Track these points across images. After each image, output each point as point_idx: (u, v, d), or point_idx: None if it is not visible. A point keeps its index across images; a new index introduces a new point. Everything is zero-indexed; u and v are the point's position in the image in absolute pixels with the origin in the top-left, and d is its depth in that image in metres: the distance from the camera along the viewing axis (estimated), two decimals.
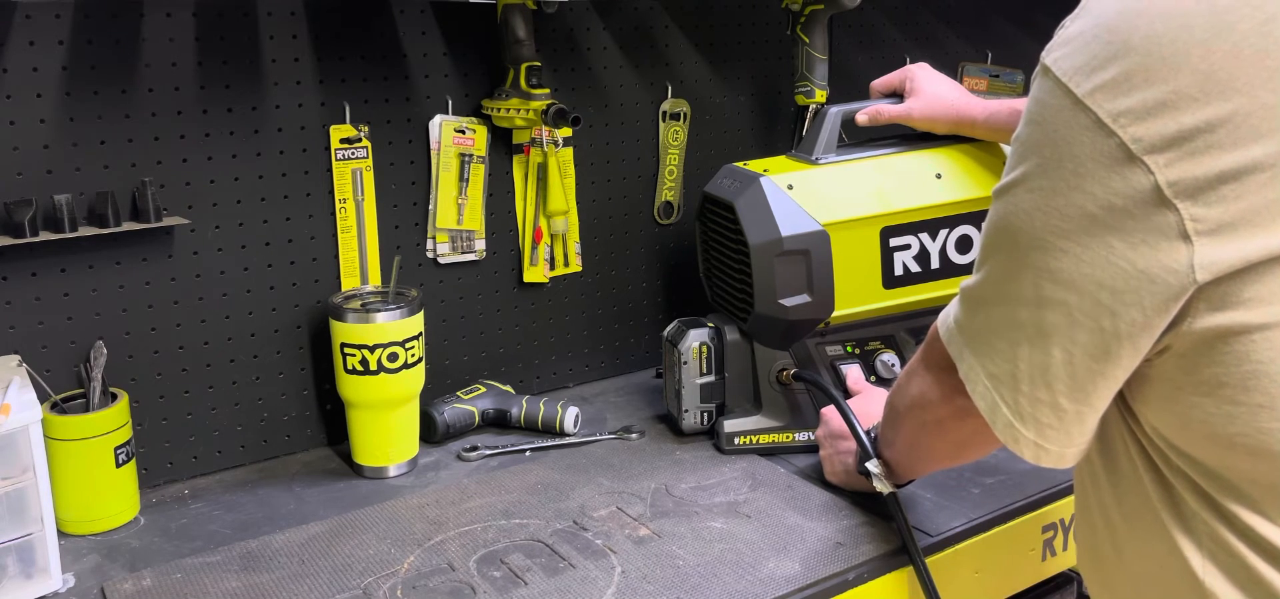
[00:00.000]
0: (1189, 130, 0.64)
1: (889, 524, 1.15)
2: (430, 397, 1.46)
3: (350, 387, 1.32)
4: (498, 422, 1.48)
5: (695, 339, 1.37)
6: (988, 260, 0.77)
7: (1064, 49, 0.70)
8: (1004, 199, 0.75)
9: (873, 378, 1.36)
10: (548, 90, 1.43)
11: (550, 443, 1.43)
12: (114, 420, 1.21)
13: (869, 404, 1.22)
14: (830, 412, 1.24)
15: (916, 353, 0.93)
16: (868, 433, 1.14)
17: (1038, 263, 0.72)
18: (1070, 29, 0.71)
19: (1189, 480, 0.74)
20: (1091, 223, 0.68)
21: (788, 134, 1.71)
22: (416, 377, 1.35)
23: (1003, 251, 0.75)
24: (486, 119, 1.50)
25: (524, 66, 1.42)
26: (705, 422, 1.40)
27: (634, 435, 1.44)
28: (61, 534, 1.15)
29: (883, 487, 1.11)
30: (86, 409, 1.22)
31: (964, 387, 0.80)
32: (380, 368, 1.30)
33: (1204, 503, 0.73)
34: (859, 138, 1.41)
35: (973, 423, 0.82)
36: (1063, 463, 0.78)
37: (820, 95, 1.59)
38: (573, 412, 1.45)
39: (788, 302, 1.29)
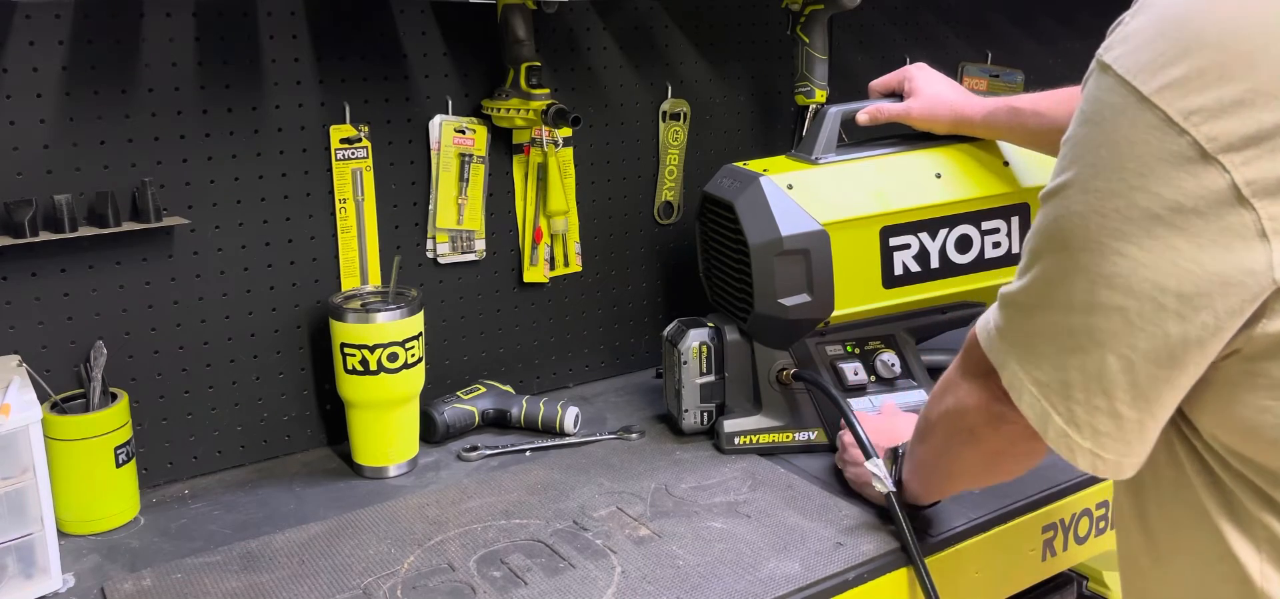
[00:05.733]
0: (1269, 128, 0.62)
1: (889, 524, 1.15)
2: (430, 397, 1.46)
3: (350, 387, 1.32)
4: (498, 422, 1.48)
5: (695, 339, 1.36)
6: (1034, 265, 0.75)
7: (1124, 46, 0.68)
8: (1054, 201, 0.72)
9: (872, 378, 1.36)
10: (548, 90, 1.43)
11: (550, 443, 1.43)
12: (114, 420, 1.21)
13: (889, 423, 1.22)
14: (848, 434, 1.22)
15: (953, 363, 0.89)
16: (896, 450, 1.13)
17: (1091, 267, 0.69)
18: (1130, 25, 0.69)
19: (1248, 484, 0.72)
20: (1155, 224, 0.66)
21: (788, 134, 1.71)
22: (416, 377, 1.35)
23: (1051, 255, 0.73)
24: (486, 119, 1.50)
25: (524, 66, 1.42)
26: (705, 422, 1.40)
27: (634, 435, 1.44)
28: (61, 534, 1.15)
29: (882, 487, 1.12)
30: (86, 409, 1.22)
31: (1004, 394, 0.78)
32: (380, 368, 1.30)
33: (1264, 505, 0.71)
34: (859, 138, 1.41)
35: (1008, 432, 0.79)
36: (1121, 473, 0.75)
37: (820, 95, 1.59)
38: (573, 412, 1.45)
39: (788, 301, 1.29)
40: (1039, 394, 0.75)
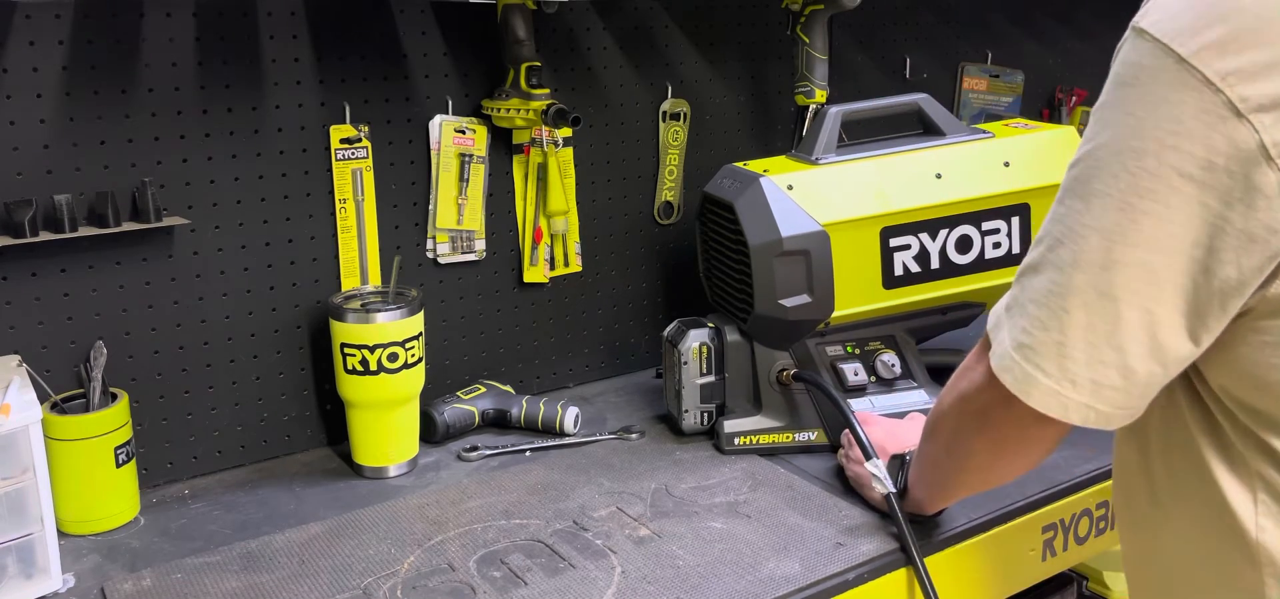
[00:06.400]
0: None
1: (889, 524, 1.15)
2: (430, 397, 1.46)
3: (350, 387, 1.32)
4: (498, 422, 1.48)
5: (695, 339, 1.36)
6: (1052, 227, 0.76)
7: (1161, 12, 0.70)
8: (1083, 163, 0.74)
9: (873, 379, 1.36)
10: (548, 90, 1.43)
11: (550, 443, 1.43)
12: (114, 420, 1.21)
13: (900, 429, 1.22)
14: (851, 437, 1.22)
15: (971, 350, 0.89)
16: (903, 458, 1.13)
17: (1113, 223, 0.71)
18: None
19: (1248, 433, 0.73)
20: (1185, 181, 0.68)
21: (788, 134, 1.71)
22: (416, 377, 1.35)
23: (1072, 215, 0.74)
24: (486, 119, 1.50)
25: (524, 66, 1.42)
26: (705, 422, 1.40)
27: (634, 435, 1.44)
28: (61, 534, 1.15)
29: (881, 487, 1.12)
30: (86, 409, 1.22)
31: None
32: (380, 368, 1.30)
33: (1263, 455, 0.73)
34: (859, 137, 1.41)
35: (1018, 413, 0.78)
36: (1110, 425, 0.76)
37: (820, 95, 1.59)
38: (573, 412, 1.45)
39: (788, 302, 1.29)
40: (1020, 357, 0.77)
